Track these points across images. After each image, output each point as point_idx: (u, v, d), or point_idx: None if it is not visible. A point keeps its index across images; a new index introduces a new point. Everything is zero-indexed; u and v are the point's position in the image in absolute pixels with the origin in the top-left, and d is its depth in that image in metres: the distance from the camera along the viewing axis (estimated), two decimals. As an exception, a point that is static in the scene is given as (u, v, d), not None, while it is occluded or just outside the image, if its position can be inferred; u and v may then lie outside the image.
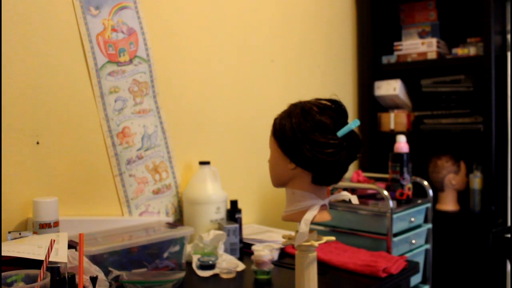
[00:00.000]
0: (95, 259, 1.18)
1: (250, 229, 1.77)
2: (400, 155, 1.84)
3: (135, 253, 1.31)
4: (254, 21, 1.94)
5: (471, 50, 2.14)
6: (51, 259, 0.89)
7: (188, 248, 1.46)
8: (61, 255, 0.94)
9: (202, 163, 1.66)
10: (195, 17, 1.74)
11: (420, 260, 1.86)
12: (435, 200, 2.22)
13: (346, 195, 1.14)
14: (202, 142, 1.77)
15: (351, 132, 1.08)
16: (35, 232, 1.21)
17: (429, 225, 1.89)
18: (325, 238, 1.14)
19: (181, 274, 1.26)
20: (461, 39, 2.24)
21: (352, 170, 2.24)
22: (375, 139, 2.40)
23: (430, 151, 2.31)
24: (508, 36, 2.19)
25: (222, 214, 1.62)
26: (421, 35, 2.34)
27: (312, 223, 1.10)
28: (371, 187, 1.79)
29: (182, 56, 1.70)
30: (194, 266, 1.41)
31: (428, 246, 1.89)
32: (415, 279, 1.83)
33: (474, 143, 2.19)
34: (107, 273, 1.22)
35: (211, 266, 1.39)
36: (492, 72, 2.03)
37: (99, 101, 1.48)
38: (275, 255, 1.52)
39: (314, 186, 1.10)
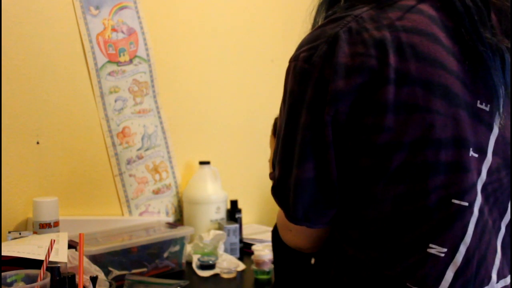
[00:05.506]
0: (95, 259, 1.18)
1: (250, 229, 1.77)
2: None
3: (135, 253, 1.31)
4: (254, 21, 1.94)
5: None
6: (51, 259, 0.89)
7: (188, 248, 1.46)
8: (61, 255, 0.94)
9: (202, 163, 1.66)
10: (195, 17, 1.73)
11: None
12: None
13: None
14: (202, 142, 1.77)
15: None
16: (35, 232, 1.21)
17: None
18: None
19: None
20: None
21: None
22: (375, 139, 2.40)
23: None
24: None
25: (222, 214, 1.62)
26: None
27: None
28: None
29: (182, 56, 1.70)
30: (194, 266, 1.41)
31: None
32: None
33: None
34: (107, 273, 1.22)
35: (211, 266, 1.39)
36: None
37: (99, 101, 1.48)
38: (275, 255, 1.51)
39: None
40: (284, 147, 0.73)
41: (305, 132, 0.70)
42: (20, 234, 1.11)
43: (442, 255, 0.68)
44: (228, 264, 1.39)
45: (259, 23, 1.97)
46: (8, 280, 0.86)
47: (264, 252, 1.34)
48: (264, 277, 1.33)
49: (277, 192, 0.77)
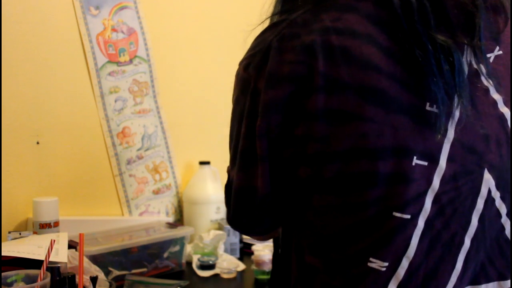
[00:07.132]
0: (95, 259, 1.18)
1: (250, 229, 1.77)
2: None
3: (135, 253, 1.31)
4: (254, 21, 1.94)
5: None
6: (51, 259, 0.89)
7: (188, 248, 1.46)
8: (61, 255, 0.94)
9: (202, 163, 1.66)
10: (195, 17, 1.73)
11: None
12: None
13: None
14: (202, 142, 1.77)
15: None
16: (35, 232, 1.21)
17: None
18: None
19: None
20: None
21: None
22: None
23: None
24: None
25: (222, 214, 1.62)
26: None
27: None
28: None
29: (182, 56, 1.70)
30: (194, 266, 1.41)
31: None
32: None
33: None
34: (107, 273, 1.22)
35: (211, 266, 1.39)
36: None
37: (99, 101, 1.48)
38: (275, 255, 1.51)
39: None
40: (232, 150, 0.74)
41: (242, 142, 0.70)
42: (20, 234, 1.11)
43: (384, 269, 0.64)
44: (228, 264, 1.39)
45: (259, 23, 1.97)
46: (8, 280, 0.86)
47: (264, 252, 1.34)
48: (264, 277, 1.33)
49: (225, 190, 0.79)
